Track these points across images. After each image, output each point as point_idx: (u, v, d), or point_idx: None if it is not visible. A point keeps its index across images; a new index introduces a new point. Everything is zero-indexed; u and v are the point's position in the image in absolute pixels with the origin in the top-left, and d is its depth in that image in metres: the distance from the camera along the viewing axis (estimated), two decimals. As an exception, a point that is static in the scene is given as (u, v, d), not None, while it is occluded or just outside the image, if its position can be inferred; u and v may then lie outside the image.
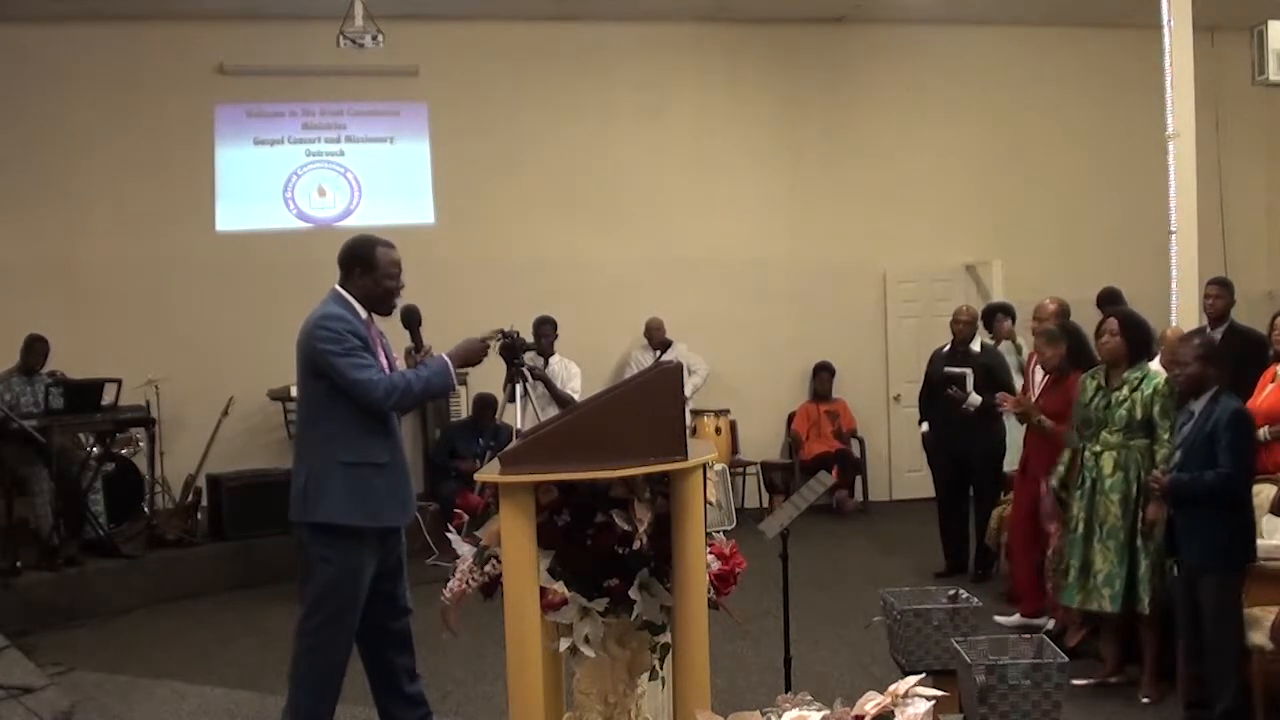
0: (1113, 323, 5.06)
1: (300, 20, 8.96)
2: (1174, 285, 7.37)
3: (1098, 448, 5.01)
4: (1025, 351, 7.66)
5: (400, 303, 3.98)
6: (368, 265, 3.84)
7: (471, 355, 3.87)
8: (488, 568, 3.02)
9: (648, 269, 9.78)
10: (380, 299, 3.87)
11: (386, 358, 3.89)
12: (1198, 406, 4.40)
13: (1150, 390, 4.91)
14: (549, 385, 7.73)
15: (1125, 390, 4.97)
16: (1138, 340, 5.05)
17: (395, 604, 3.98)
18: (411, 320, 3.96)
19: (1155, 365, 5.24)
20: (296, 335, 3.82)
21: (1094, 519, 4.97)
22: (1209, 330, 6.53)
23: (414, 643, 4.04)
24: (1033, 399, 6.01)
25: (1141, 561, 4.82)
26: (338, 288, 3.85)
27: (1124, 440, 4.94)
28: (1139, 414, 4.91)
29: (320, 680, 3.82)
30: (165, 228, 9.17)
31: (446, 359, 3.79)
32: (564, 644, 2.95)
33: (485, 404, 8.39)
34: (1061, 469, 5.29)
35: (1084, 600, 4.98)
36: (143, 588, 7.21)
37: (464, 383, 9.29)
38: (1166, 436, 4.81)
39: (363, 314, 3.84)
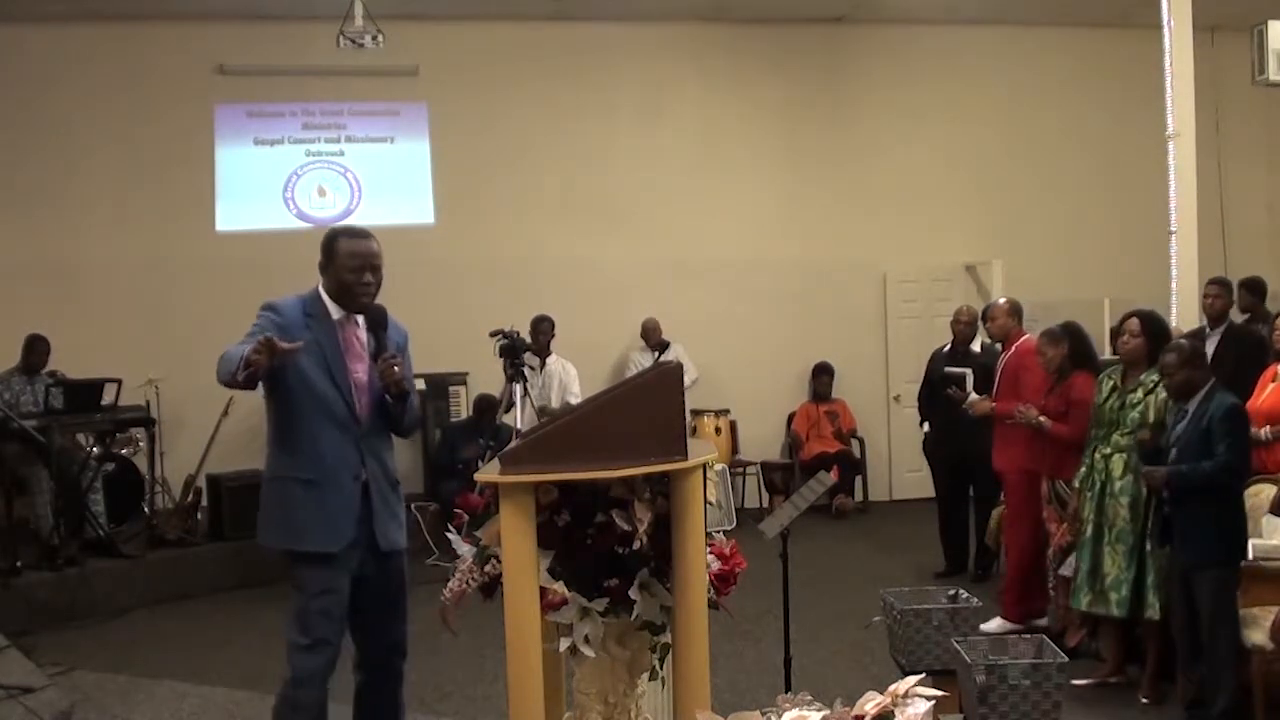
0: (1134, 323, 5.04)
1: (300, 20, 8.97)
2: (1174, 285, 7.37)
3: (1108, 449, 5.00)
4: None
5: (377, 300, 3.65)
6: (329, 257, 3.56)
7: (249, 353, 3.22)
8: (488, 568, 3.01)
9: (647, 269, 9.79)
10: (341, 293, 3.55)
11: (369, 368, 3.59)
12: (1191, 405, 4.43)
13: (1165, 395, 4.84)
14: (546, 413, 7.71)
15: (1140, 392, 4.94)
16: (1158, 341, 4.99)
17: (382, 640, 3.71)
18: (375, 322, 3.62)
19: None
20: None
21: (1103, 522, 4.95)
22: (1208, 330, 6.55)
23: (403, 695, 3.81)
24: (989, 398, 6.19)
25: (1150, 566, 4.80)
26: (318, 284, 3.61)
27: (1135, 442, 4.92)
28: (1152, 416, 4.89)
29: (302, 712, 3.54)
30: (165, 228, 9.17)
31: (246, 348, 3.26)
32: (564, 644, 2.94)
33: (486, 405, 8.40)
34: (1084, 470, 5.21)
35: (1091, 603, 4.97)
36: (143, 588, 7.21)
37: (464, 383, 9.32)
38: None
39: (335, 312, 3.56)
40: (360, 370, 3.58)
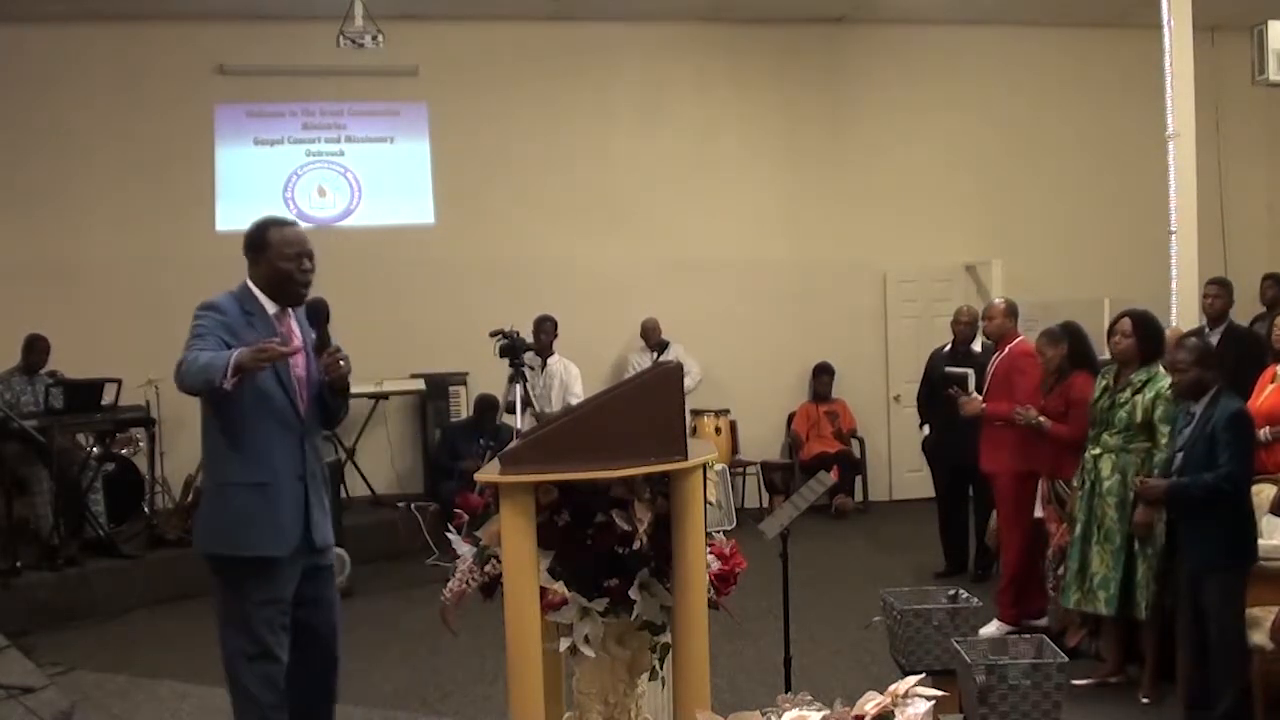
0: (1125, 323, 5.04)
1: (300, 20, 8.96)
2: (1174, 285, 7.37)
3: (1097, 450, 5.01)
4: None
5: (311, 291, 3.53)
6: (260, 248, 3.43)
7: (244, 359, 3.13)
8: (488, 568, 3.02)
9: (647, 269, 9.79)
10: (279, 284, 3.44)
11: (307, 361, 3.51)
12: (1198, 409, 4.39)
13: (1153, 394, 4.88)
14: (541, 417, 7.65)
15: (1128, 392, 4.95)
16: (1150, 341, 5.01)
17: (315, 645, 3.59)
18: (317, 315, 3.47)
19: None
20: None
21: (1092, 521, 4.97)
22: (1207, 330, 6.54)
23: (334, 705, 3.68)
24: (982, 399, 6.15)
25: (1139, 565, 4.81)
26: (246, 279, 3.50)
27: (1123, 443, 4.93)
28: (1139, 416, 4.90)
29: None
30: (165, 228, 9.17)
31: (231, 353, 3.16)
32: (564, 644, 2.95)
33: (487, 405, 8.39)
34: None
35: (1080, 601, 4.99)
36: (143, 588, 7.21)
37: (464, 383, 9.32)
38: (1165, 441, 4.79)
39: (270, 307, 3.45)
40: (299, 366, 3.49)
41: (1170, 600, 4.72)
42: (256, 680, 3.46)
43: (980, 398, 6.25)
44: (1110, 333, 5.16)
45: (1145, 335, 5.00)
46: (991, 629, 5.75)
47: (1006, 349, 6.29)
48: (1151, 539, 4.79)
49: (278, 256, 3.43)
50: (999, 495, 6.14)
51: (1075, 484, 5.18)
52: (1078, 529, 5.02)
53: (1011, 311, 6.43)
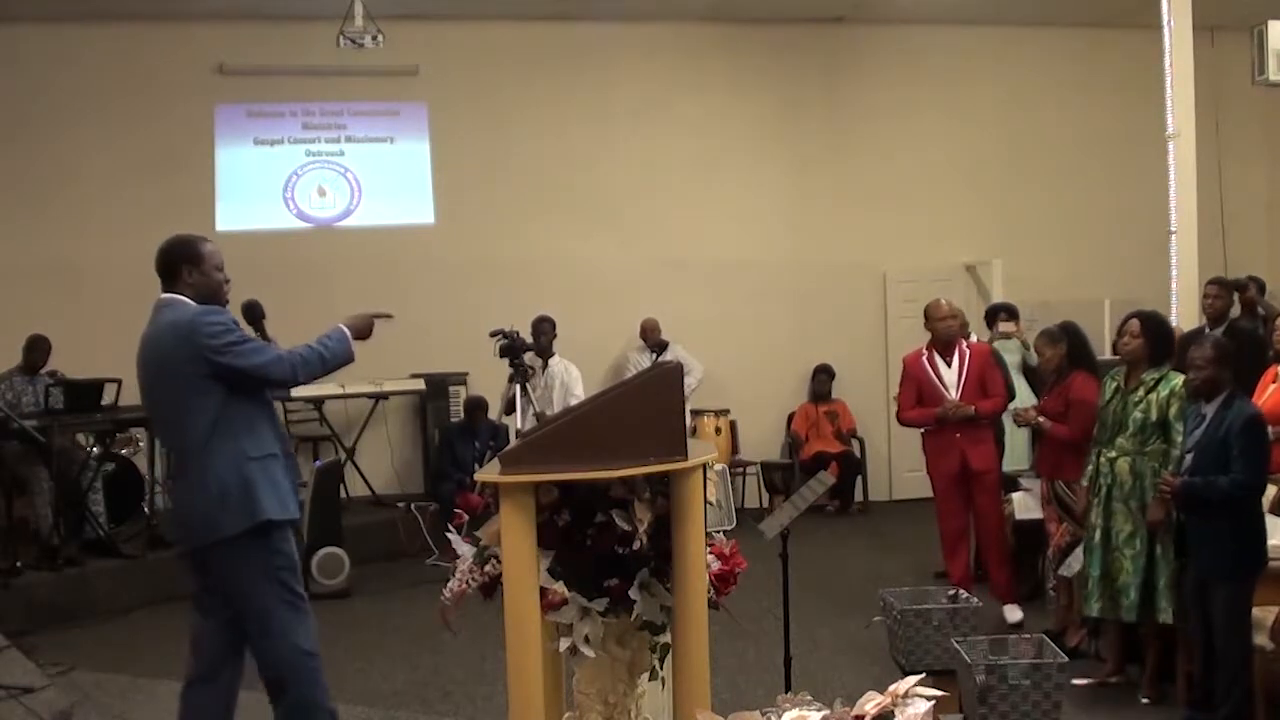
0: (1134, 324, 4.98)
1: (300, 20, 8.97)
2: (1174, 285, 7.38)
3: (1113, 453, 4.91)
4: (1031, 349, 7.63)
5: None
6: (195, 260, 3.69)
7: (363, 328, 3.73)
8: (488, 568, 3.02)
9: (647, 269, 9.79)
10: (212, 294, 3.69)
11: None
12: (1210, 410, 4.34)
13: (1167, 392, 4.81)
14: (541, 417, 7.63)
15: (1141, 392, 4.88)
16: (1158, 341, 4.96)
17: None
18: (254, 315, 3.85)
19: None
20: (146, 350, 3.67)
21: (1111, 526, 4.87)
22: (1208, 330, 6.53)
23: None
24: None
25: (1161, 569, 4.71)
26: (172, 295, 3.66)
27: (1139, 445, 4.83)
28: (1154, 416, 4.81)
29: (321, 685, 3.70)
30: (165, 228, 9.03)
31: (344, 328, 3.69)
32: (564, 644, 2.95)
33: (475, 405, 8.43)
34: (1090, 469, 5.09)
35: (1104, 609, 4.88)
36: (143, 588, 7.20)
37: (464, 383, 9.32)
38: (1181, 440, 4.75)
39: None
40: None
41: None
42: (306, 632, 3.66)
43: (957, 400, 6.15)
44: (1119, 333, 5.13)
45: (1154, 336, 4.94)
46: (1018, 615, 5.95)
47: (969, 349, 6.25)
48: (1167, 539, 4.70)
49: (213, 268, 3.74)
50: (986, 492, 6.12)
51: (1084, 482, 5.12)
52: (1096, 535, 4.90)
53: (956, 312, 6.42)
